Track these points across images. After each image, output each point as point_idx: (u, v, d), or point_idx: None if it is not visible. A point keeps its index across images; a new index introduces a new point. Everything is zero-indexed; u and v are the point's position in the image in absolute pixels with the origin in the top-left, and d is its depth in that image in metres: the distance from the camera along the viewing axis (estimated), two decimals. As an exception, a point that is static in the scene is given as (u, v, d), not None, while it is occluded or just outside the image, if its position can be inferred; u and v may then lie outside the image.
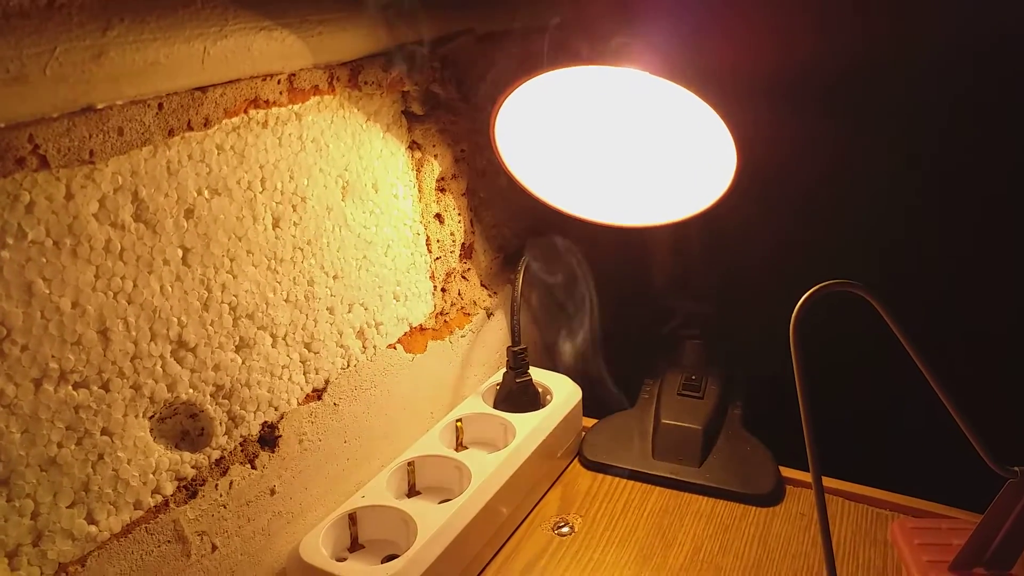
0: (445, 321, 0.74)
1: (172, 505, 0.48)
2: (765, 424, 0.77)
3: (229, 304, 0.50)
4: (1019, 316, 0.84)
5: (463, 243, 0.76)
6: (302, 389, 0.57)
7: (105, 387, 0.43)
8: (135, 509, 0.46)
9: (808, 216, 0.80)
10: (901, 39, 0.82)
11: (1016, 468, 0.52)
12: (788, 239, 0.80)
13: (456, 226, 0.74)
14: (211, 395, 0.50)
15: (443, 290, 0.74)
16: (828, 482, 0.69)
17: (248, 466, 0.53)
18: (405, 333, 0.69)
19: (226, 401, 0.51)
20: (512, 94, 0.62)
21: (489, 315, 0.81)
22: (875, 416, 0.85)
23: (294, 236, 0.55)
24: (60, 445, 0.41)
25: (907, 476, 0.69)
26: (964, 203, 0.86)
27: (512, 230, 0.85)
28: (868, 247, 0.86)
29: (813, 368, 0.50)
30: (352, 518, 0.59)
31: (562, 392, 0.75)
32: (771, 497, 0.69)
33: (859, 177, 0.84)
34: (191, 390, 0.49)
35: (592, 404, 0.80)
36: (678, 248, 0.82)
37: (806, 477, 0.71)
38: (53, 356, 0.40)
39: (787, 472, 0.72)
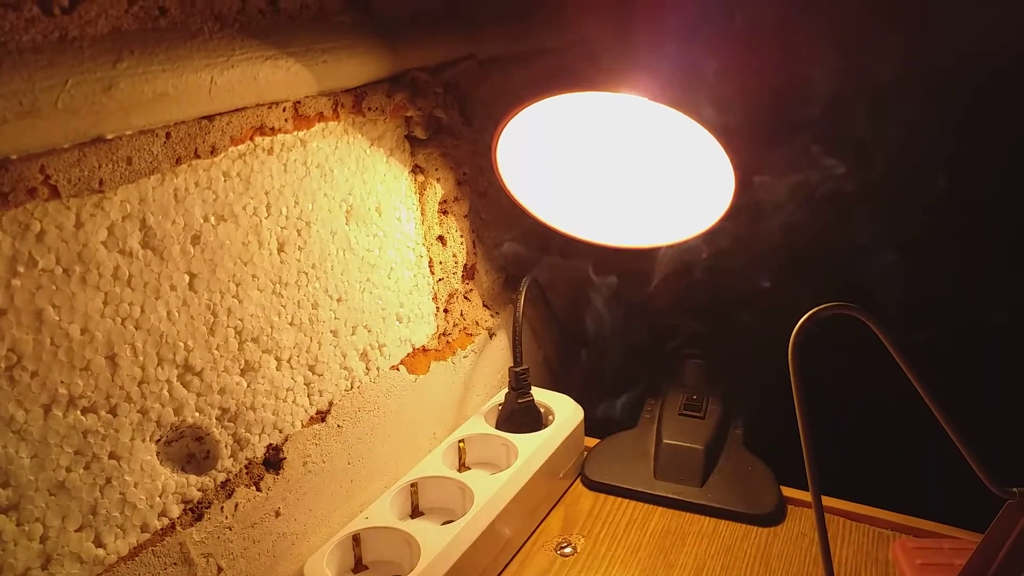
0: (448, 342, 0.75)
1: (178, 528, 0.49)
2: (766, 444, 0.77)
3: (235, 328, 0.51)
4: (1019, 336, 0.85)
5: (465, 264, 0.77)
6: (306, 411, 0.58)
7: (113, 412, 0.44)
8: (142, 532, 0.46)
9: (808, 235, 0.80)
10: (904, 61, 0.83)
11: (1015, 489, 0.52)
12: (788, 258, 0.81)
13: (458, 248, 0.75)
14: (217, 418, 0.51)
15: (446, 311, 0.74)
16: (829, 502, 0.70)
17: (253, 488, 0.54)
18: (408, 354, 0.69)
19: (231, 424, 0.52)
20: (513, 118, 0.63)
21: (491, 336, 0.82)
22: (876, 436, 0.86)
23: (299, 260, 0.56)
24: (69, 469, 0.42)
25: (908, 496, 0.69)
26: (970, 223, 0.87)
27: (513, 251, 0.86)
28: (869, 266, 0.87)
29: (813, 388, 0.51)
30: (356, 539, 0.60)
31: (564, 412, 0.75)
32: (773, 517, 0.70)
33: (860, 195, 0.85)
34: (197, 413, 0.49)
35: (594, 424, 0.80)
36: (678, 268, 0.83)
37: (807, 497, 0.71)
38: (62, 382, 0.41)
39: (788, 492, 0.72)
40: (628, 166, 0.71)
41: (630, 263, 0.87)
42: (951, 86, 0.82)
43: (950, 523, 0.67)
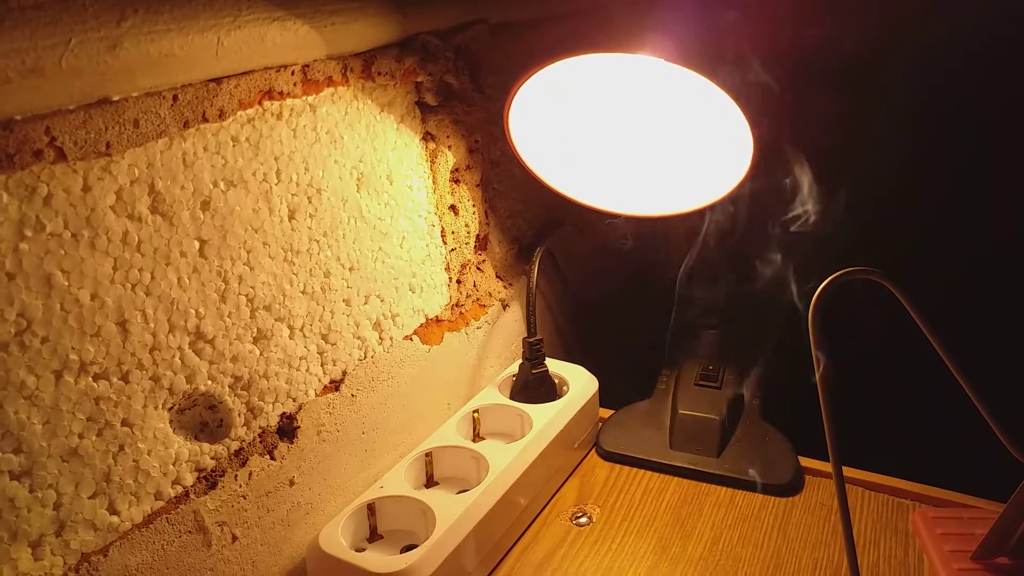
0: (461, 312, 0.74)
1: (192, 496, 0.49)
2: (784, 413, 0.76)
3: (246, 296, 0.51)
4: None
5: (478, 234, 0.76)
6: (320, 380, 0.58)
7: (125, 378, 0.44)
8: (156, 499, 0.46)
9: (826, 201, 0.79)
10: (919, 19, 0.81)
11: (1040, 456, 0.52)
12: (806, 225, 0.80)
13: (471, 217, 0.74)
14: (230, 386, 0.50)
15: (458, 281, 0.73)
16: (848, 471, 0.69)
17: (267, 457, 0.54)
18: (421, 324, 0.69)
19: (244, 392, 0.52)
20: (526, 83, 0.61)
21: (504, 306, 0.81)
22: (896, 404, 0.85)
23: (310, 228, 0.55)
24: (81, 436, 0.42)
25: (928, 465, 0.69)
26: (984, 187, 0.85)
27: (527, 221, 0.85)
28: (888, 232, 0.85)
29: (832, 356, 0.50)
30: (371, 508, 0.60)
31: (578, 383, 0.75)
32: (790, 487, 0.69)
33: (880, 160, 0.83)
34: (210, 381, 0.49)
35: (609, 395, 0.79)
36: (694, 237, 0.82)
37: (826, 467, 0.70)
38: (73, 348, 0.41)
39: (806, 462, 0.71)
40: (643, 132, 0.70)
41: (646, 231, 0.86)
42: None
43: (971, 493, 0.67)
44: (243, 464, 0.52)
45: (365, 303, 0.61)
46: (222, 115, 0.47)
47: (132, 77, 0.41)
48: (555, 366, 0.76)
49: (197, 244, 0.47)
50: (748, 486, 0.69)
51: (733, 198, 0.66)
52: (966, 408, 0.52)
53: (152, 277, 0.44)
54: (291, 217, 0.53)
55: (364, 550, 0.59)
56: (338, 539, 0.56)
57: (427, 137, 0.67)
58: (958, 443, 0.68)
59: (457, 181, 0.71)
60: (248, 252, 0.50)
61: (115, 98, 0.40)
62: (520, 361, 0.75)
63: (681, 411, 0.76)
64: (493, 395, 0.73)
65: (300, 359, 0.56)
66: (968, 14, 0.80)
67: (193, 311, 0.47)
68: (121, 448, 0.44)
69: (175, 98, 0.44)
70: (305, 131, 0.54)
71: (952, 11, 0.81)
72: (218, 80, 0.46)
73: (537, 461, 0.65)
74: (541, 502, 0.69)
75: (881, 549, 0.62)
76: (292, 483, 0.56)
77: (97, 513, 0.43)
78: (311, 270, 0.56)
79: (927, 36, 0.81)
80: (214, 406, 0.50)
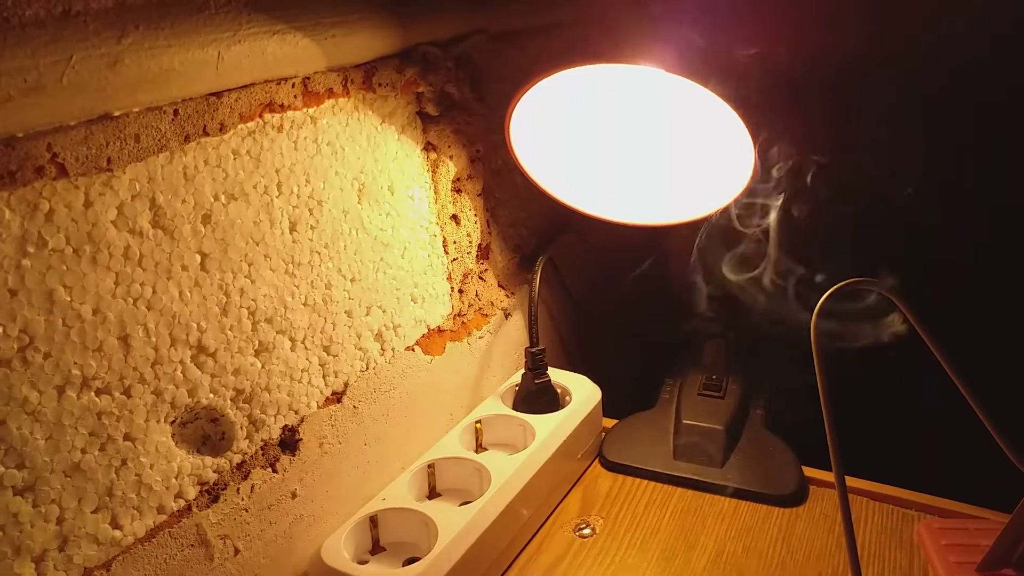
0: (463, 322, 0.74)
1: (195, 509, 0.48)
2: (787, 424, 0.76)
3: (248, 308, 0.51)
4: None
5: (480, 244, 0.76)
6: (321, 392, 0.58)
7: (127, 393, 0.44)
8: (158, 513, 0.46)
9: (827, 211, 0.79)
10: (915, 31, 0.81)
11: (1045, 467, 0.51)
12: (807, 235, 0.80)
13: (472, 227, 0.74)
14: (231, 399, 0.50)
15: (460, 291, 0.73)
16: (852, 482, 0.69)
17: (269, 470, 0.54)
18: (423, 335, 0.69)
19: (246, 405, 0.52)
20: (527, 93, 0.62)
21: (507, 316, 0.81)
22: (900, 415, 0.84)
23: (311, 240, 0.55)
24: (84, 451, 0.42)
25: (933, 476, 0.68)
26: (984, 195, 0.85)
27: (529, 230, 0.85)
28: (889, 242, 0.85)
29: (835, 366, 0.50)
30: (373, 521, 0.59)
31: (581, 393, 0.75)
32: (794, 498, 0.69)
33: (878, 169, 0.83)
34: (212, 395, 0.49)
35: (612, 405, 0.79)
36: (697, 246, 0.81)
37: (830, 477, 0.70)
38: (75, 363, 0.41)
39: (810, 472, 0.71)
40: (645, 142, 0.70)
41: (648, 241, 0.86)
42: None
43: (976, 503, 0.66)
44: (245, 477, 0.52)
45: (367, 314, 0.61)
46: (223, 129, 0.47)
47: (133, 93, 0.41)
48: (558, 376, 0.76)
49: (198, 258, 0.47)
50: (752, 497, 0.69)
51: (732, 207, 0.66)
52: (970, 418, 0.52)
53: (153, 291, 0.44)
54: (292, 229, 0.53)
55: (367, 562, 0.59)
56: (340, 552, 0.56)
57: (428, 147, 0.67)
58: (963, 453, 0.68)
59: (458, 191, 0.71)
60: (249, 265, 0.50)
61: (116, 114, 0.40)
62: (522, 371, 0.75)
63: (685, 421, 0.75)
64: (496, 405, 0.73)
65: (302, 371, 0.56)
66: (960, 24, 0.80)
67: (195, 324, 0.47)
68: (124, 462, 0.44)
69: (176, 113, 0.44)
70: (306, 143, 0.54)
71: (944, 21, 0.81)
72: (219, 94, 0.46)
73: (540, 472, 0.65)
74: (544, 513, 0.68)
75: (885, 560, 0.62)
76: (294, 496, 0.56)
77: (100, 528, 0.43)
78: (312, 282, 0.56)
79: (920, 47, 0.81)
80: (216, 419, 0.50)
